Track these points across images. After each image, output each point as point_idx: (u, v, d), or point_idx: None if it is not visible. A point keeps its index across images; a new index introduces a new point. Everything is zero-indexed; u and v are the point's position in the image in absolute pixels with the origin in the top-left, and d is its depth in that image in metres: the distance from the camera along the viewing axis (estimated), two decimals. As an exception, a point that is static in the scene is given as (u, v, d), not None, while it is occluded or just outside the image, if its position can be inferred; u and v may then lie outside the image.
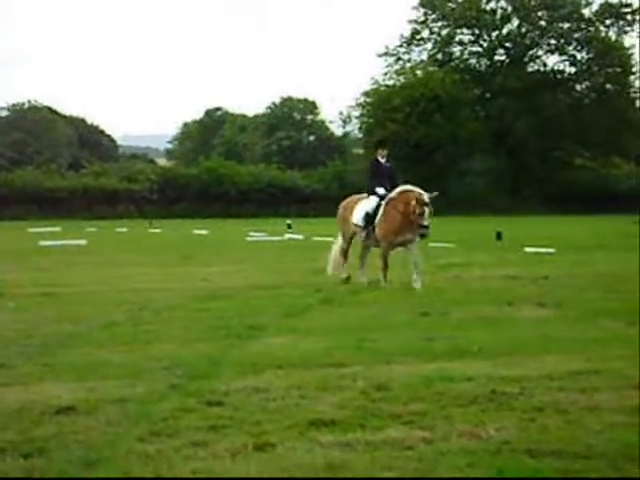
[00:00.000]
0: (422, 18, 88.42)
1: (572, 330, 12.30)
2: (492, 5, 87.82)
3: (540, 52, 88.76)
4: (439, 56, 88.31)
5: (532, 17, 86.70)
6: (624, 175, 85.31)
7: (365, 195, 19.34)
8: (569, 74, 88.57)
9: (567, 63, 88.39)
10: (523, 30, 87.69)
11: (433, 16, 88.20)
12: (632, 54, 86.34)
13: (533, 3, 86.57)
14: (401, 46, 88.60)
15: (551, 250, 28.35)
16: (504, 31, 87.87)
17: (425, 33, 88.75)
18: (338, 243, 19.95)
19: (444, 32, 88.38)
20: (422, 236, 18.26)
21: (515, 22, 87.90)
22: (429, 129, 77.45)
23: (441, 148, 78.43)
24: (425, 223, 17.92)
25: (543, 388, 8.63)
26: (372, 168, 19.47)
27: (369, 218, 18.75)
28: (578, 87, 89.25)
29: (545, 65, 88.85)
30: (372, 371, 9.47)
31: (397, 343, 11.24)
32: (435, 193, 18.35)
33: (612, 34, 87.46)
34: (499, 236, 33.92)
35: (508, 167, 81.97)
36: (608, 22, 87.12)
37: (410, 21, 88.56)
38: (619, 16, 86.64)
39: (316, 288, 17.81)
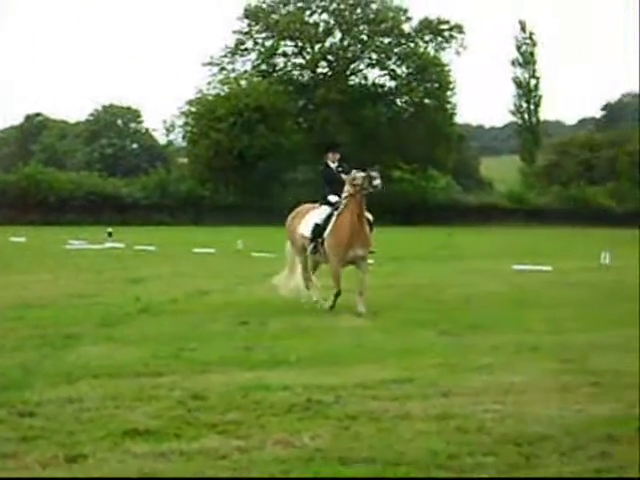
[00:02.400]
0: (246, 29, 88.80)
1: (387, 339, 12.54)
2: (315, 18, 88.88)
3: (362, 66, 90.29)
4: (263, 67, 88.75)
5: (354, 31, 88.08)
6: (441, 187, 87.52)
7: (317, 205, 17.06)
8: (389, 88, 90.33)
9: (387, 77, 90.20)
10: (345, 43, 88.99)
11: (257, 27, 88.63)
12: (449, 70, 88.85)
13: (355, 17, 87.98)
14: (225, 56, 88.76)
15: (369, 261, 28.72)
16: (327, 44, 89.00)
17: (249, 44, 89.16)
18: (295, 261, 17.45)
19: (268, 43, 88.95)
20: (374, 187, 15.58)
21: (338, 35, 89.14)
22: (253, 139, 77.68)
23: (265, 158, 78.82)
24: (375, 183, 15.54)
25: (357, 397, 8.77)
26: (323, 175, 17.13)
27: (318, 230, 16.39)
28: (398, 101, 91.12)
29: (366, 78, 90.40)
30: (189, 381, 9.45)
31: (215, 352, 11.24)
32: (377, 167, 16.14)
33: (431, 50, 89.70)
34: (320, 246, 34.24)
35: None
36: (427, 38, 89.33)
37: (234, 31, 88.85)
38: (437, 32, 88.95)
39: (135, 297, 17.62)
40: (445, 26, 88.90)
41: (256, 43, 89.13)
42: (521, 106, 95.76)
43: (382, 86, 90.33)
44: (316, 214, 16.69)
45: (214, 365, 10.40)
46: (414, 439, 7.25)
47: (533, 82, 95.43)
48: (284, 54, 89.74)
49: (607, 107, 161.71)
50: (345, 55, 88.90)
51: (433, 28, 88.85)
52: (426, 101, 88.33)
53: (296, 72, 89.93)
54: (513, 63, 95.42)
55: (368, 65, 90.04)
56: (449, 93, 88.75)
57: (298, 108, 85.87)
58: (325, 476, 6.29)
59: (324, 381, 9.44)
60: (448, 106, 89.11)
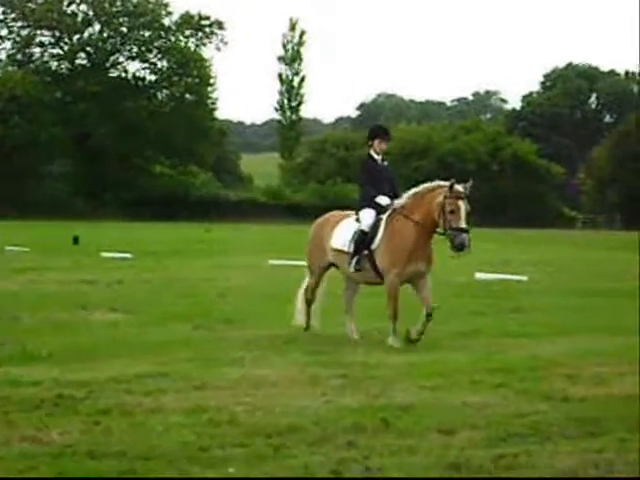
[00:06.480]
0: (1, 17, 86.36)
1: (142, 334, 12.51)
2: (73, 8, 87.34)
3: (122, 58, 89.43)
4: (19, 56, 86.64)
5: (113, 23, 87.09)
6: (201, 183, 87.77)
7: (349, 212, 13.32)
8: (150, 82, 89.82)
9: (148, 71, 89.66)
10: (105, 35, 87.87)
11: (12, 15, 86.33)
12: (210, 65, 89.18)
13: (114, 9, 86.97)
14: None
15: (127, 255, 28.58)
16: (85, 35, 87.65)
17: (4, 32, 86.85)
18: (305, 281, 14.11)
19: (24, 32, 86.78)
20: (459, 249, 11.99)
21: (97, 27, 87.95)
22: (7, 130, 75.73)
23: (20, 150, 76.84)
24: (462, 225, 11.94)
25: (110, 391, 8.70)
26: (366, 169, 13.12)
27: (364, 239, 12.61)
28: (159, 95, 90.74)
29: (127, 71, 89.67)
30: None
31: (-38, 349, 10.93)
32: (470, 182, 12.32)
33: (192, 45, 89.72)
34: (76, 240, 33.78)
35: (88, 172, 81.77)
36: (188, 33, 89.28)
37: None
38: (198, 28, 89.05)
39: None
40: (206, 22, 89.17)
41: (11, 32, 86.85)
42: (283, 103, 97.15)
43: (143, 79, 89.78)
44: (352, 222, 12.96)
45: (-44, 362, 10.11)
46: (166, 432, 7.27)
47: (297, 80, 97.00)
48: (41, 44, 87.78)
49: (362, 106, 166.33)
50: (104, 47, 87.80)
51: (194, 23, 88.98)
52: (187, 96, 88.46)
53: (54, 63, 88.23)
54: (279, 59, 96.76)
55: (128, 58, 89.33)
56: (210, 89, 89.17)
57: (56, 100, 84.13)
58: (73, 471, 6.23)
59: (76, 376, 9.33)
60: (208, 101, 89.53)
